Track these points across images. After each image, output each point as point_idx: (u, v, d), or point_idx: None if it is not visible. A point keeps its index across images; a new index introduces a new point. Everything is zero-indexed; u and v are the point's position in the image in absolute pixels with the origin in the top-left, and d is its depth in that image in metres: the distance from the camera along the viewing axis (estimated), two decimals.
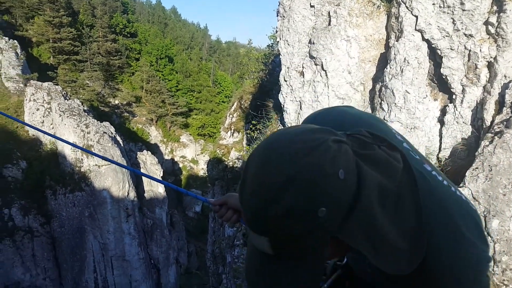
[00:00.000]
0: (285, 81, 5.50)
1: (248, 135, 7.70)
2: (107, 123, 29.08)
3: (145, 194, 30.47)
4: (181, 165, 46.26)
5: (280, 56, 5.81)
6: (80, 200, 25.52)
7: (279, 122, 5.99)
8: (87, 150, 2.05)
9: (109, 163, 25.46)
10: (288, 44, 5.63)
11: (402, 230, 0.84)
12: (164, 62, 54.18)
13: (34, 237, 25.40)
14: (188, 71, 56.96)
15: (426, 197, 0.89)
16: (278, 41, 5.74)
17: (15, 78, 31.72)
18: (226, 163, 10.34)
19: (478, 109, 4.78)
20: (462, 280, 0.89)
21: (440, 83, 5.20)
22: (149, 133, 45.17)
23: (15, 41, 32.75)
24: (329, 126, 0.85)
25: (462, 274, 0.89)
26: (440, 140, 5.06)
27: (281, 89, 5.59)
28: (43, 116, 28.58)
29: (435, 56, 5.13)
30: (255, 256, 0.84)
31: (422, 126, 4.99)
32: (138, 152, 33.59)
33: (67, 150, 26.06)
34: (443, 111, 5.13)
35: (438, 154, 5.02)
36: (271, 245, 0.77)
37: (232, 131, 11.76)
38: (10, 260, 24.30)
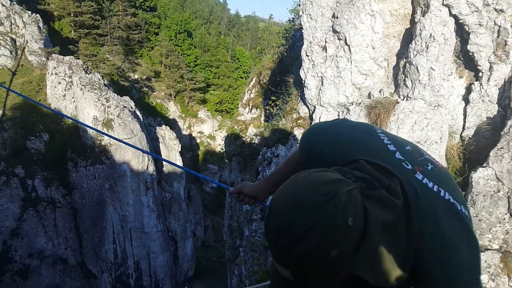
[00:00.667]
0: (307, 56, 5.38)
1: (267, 111, 7.66)
2: (127, 98, 29.38)
3: (164, 169, 30.99)
4: (198, 140, 46.64)
5: (302, 31, 5.68)
6: (101, 173, 26.14)
7: (299, 98, 5.92)
8: (103, 132, 2.06)
9: (129, 137, 25.90)
10: (311, 18, 5.48)
11: (397, 250, 1.03)
12: (183, 37, 53.89)
13: (56, 208, 26.28)
14: (206, 46, 56.59)
15: (417, 210, 1.07)
16: (301, 15, 5.60)
17: (38, 52, 32.18)
18: (244, 139, 10.34)
19: (506, 88, 4.63)
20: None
21: (466, 60, 5.05)
22: (167, 108, 45.50)
23: (38, 15, 33.06)
24: (330, 152, 1.22)
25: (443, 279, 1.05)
26: (464, 118, 4.94)
27: (303, 64, 5.49)
28: (65, 90, 29.07)
29: (462, 32, 4.96)
30: (279, 279, 1.01)
31: (446, 104, 4.85)
32: (157, 127, 33.95)
33: (88, 123, 26.56)
34: (468, 89, 5.00)
35: (461, 133, 4.91)
36: (292, 275, 0.95)
37: (250, 107, 11.71)
38: (34, 230, 25.26)
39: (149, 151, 27.76)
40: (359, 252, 0.95)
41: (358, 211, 0.93)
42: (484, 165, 4.12)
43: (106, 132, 24.56)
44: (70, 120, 28.42)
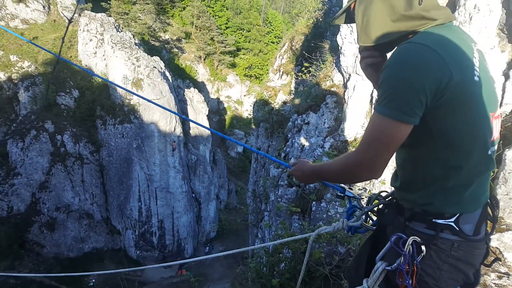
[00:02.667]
0: (347, 24, 5.19)
1: (298, 78, 7.53)
2: (157, 58, 29.45)
3: (191, 131, 31.39)
4: (226, 105, 46.72)
5: None
6: (129, 132, 26.72)
7: (334, 65, 5.77)
8: (133, 92, 2.07)
9: (158, 98, 26.19)
10: None
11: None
12: None
13: (84, 164, 27.20)
14: (238, 8, 55.38)
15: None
16: None
17: (70, 8, 32.41)
18: (272, 105, 10.29)
19: None
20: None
21: (511, 34, 4.75)
22: (196, 70, 45.45)
23: None
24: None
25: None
26: (503, 94, 4.74)
27: (340, 29, 5.31)
28: (96, 47, 29.39)
29: (509, 4, 4.66)
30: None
31: None
32: (186, 89, 34.11)
33: (118, 82, 26.88)
34: (510, 65, 4.74)
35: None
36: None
37: (280, 73, 11.55)
38: (61, 184, 26.35)
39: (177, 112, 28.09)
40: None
41: None
42: None
43: (135, 92, 24.91)
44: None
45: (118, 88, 27.05)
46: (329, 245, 3.98)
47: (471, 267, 1.53)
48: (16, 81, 28.27)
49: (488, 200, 1.56)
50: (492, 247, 3.56)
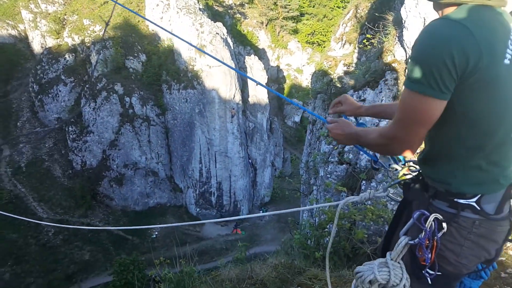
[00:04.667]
0: None
1: (360, 49, 7.25)
2: (220, 24, 29.65)
3: (249, 99, 31.70)
4: (285, 73, 46.15)
5: None
6: (192, 97, 27.67)
7: (396, 39, 5.47)
8: (200, 49, 2.18)
9: (219, 65, 26.55)
10: None
11: None
12: None
13: (151, 125, 28.84)
14: None
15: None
16: None
17: None
18: (332, 76, 10.03)
19: None
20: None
21: None
22: (258, 37, 45.09)
23: None
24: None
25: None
26: None
27: (405, 1, 5.00)
28: (162, 12, 30.16)
29: None
30: None
31: None
32: (246, 56, 34.16)
33: (182, 48, 27.63)
34: None
35: None
36: None
37: (343, 42, 11.15)
38: (130, 143, 28.23)
39: (236, 80, 28.38)
40: None
41: None
42: None
43: (208, 53, 25.40)
44: (166, 43, 29.78)
45: (182, 54, 27.82)
46: (376, 224, 3.99)
47: (494, 244, 1.55)
48: (88, 45, 30.11)
49: None
50: None
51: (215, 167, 29.51)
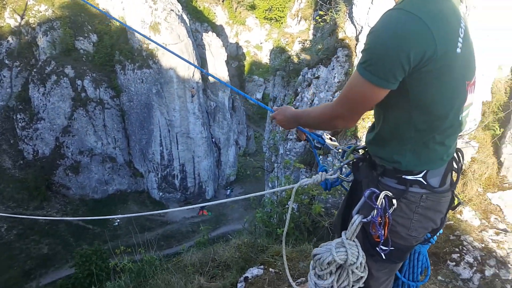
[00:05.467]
0: None
1: (315, 25, 7.27)
2: (174, 0, 28.64)
3: (209, 78, 31.17)
4: (245, 50, 45.64)
5: None
6: (148, 77, 26.78)
7: (347, 15, 5.52)
8: (152, 39, 2.09)
9: (175, 42, 25.81)
10: None
11: None
12: None
13: (105, 109, 27.68)
14: None
15: None
16: None
17: None
18: (289, 53, 10.04)
19: None
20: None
21: None
22: (215, 13, 44.05)
23: None
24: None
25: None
26: None
27: None
28: None
29: None
30: None
31: (498, 36, 4.37)
32: (204, 33, 33.37)
33: (135, 26, 26.49)
34: None
35: None
36: None
37: (299, 18, 11.12)
38: (84, 128, 27.06)
39: (195, 58, 27.76)
40: None
41: None
42: None
43: (153, 39, 24.57)
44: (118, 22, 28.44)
45: (135, 33, 26.72)
46: (333, 197, 4.12)
47: (439, 214, 1.67)
48: (34, 26, 28.21)
49: (454, 155, 1.70)
50: (493, 204, 3.61)
51: (177, 149, 28.99)
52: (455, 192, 1.72)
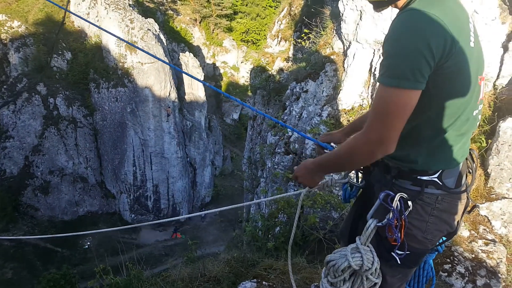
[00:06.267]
0: None
1: (298, 44, 7.42)
2: (151, 20, 28.69)
3: (186, 97, 31.07)
4: (222, 71, 45.98)
5: None
6: (123, 96, 26.36)
7: (334, 32, 5.68)
8: (131, 44, 2.06)
9: (152, 61, 25.71)
10: None
11: None
12: None
13: (78, 128, 26.92)
14: None
15: None
16: None
17: None
18: (270, 72, 10.17)
19: None
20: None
21: None
22: (192, 34, 44.37)
23: None
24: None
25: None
26: (500, 67, 4.77)
27: None
28: (89, 8, 28.48)
29: None
30: None
31: (485, 50, 4.64)
32: (181, 53, 33.44)
33: (111, 45, 26.32)
34: (510, 37, 4.76)
35: (495, 82, 4.77)
36: None
37: (279, 39, 11.35)
38: (55, 147, 26.15)
39: (171, 77, 27.67)
40: None
41: None
42: None
43: (136, 46, 24.43)
44: (93, 40, 28.13)
45: (111, 51, 26.49)
46: (323, 210, 4.09)
47: (455, 217, 1.64)
48: (5, 42, 27.47)
49: (468, 155, 1.68)
50: (481, 215, 3.69)
51: (151, 169, 28.35)
52: (469, 194, 1.69)
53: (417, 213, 1.57)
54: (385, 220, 1.56)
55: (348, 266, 1.61)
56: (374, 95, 1.49)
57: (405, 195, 1.54)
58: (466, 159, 1.68)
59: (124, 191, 28.39)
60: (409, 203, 1.55)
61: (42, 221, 25.97)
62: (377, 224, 1.60)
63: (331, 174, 2.01)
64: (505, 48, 4.68)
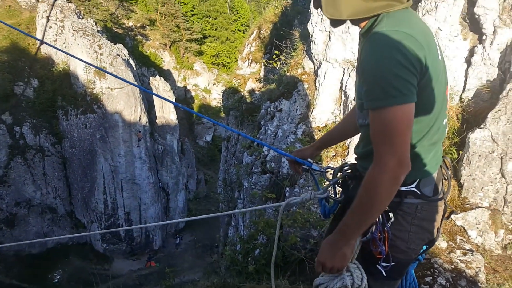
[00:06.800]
0: (316, 9, 5.25)
1: (269, 66, 7.54)
2: (120, 45, 28.49)
3: (157, 120, 30.71)
4: (193, 93, 45.96)
5: None
6: (92, 122, 25.77)
7: (304, 52, 5.81)
8: (101, 69, 2.02)
9: (121, 86, 25.40)
10: None
11: None
12: None
13: (45, 156, 25.98)
14: None
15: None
16: None
17: None
18: (242, 93, 10.25)
19: (507, 52, 4.75)
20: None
21: (472, 22, 5.12)
22: (162, 58, 44.36)
23: None
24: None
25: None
26: (465, 80, 5.04)
27: (311, 17, 5.35)
28: (56, 35, 28.04)
29: None
30: None
31: (450, 65, 4.91)
32: (151, 78, 33.22)
33: (79, 71, 25.88)
34: (471, 52, 5.06)
35: (461, 95, 4.99)
36: None
37: (249, 61, 11.51)
38: (22, 178, 25.08)
39: (142, 102, 27.36)
40: None
41: None
42: (482, 126, 4.27)
43: (106, 71, 24.05)
44: (61, 67, 27.62)
45: (80, 77, 26.02)
46: (303, 229, 4.06)
47: (435, 224, 1.67)
48: None
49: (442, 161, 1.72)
50: (457, 225, 3.75)
51: (122, 196, 27.50)
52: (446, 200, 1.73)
53: (398, 224, 1.58)
54: (369, 234, 1.57)
55: (342, 287, 1.58)
56: (370, 124, 1.41)
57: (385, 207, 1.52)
58: (440, 166, 1.70)
59: (95, 220, 27.33)
60: (390, 214, 1.56)
61: (7, 256, 24.52)
62: (362, 239, 1.59)
63: (309, 190, 1.99)
64: (468, 62, 4.93)
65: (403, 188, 1.54)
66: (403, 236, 1.59)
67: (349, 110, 2.09)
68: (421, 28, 1.44)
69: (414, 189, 1.56)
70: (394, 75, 1.30)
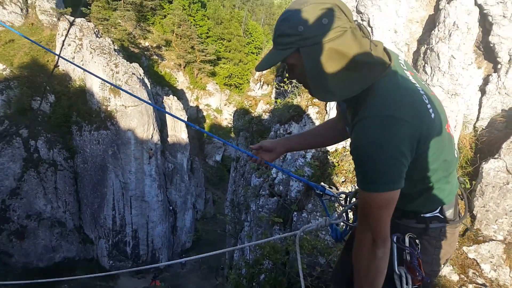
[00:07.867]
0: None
1: (280, 88, 7.58)
2: (136, 65, 29.10)
3: (168, 139, 30.96)
4: (205, 113, 46.48)
5: None
6: (105, 139, 26.12)
7: None
8: (117, 86, 2.05)
9: (135, 104, 25.80)
10: None
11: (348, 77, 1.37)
12: (197, 7, 52.97)
13: (58, 171, 26.32)
14: (219, 18, 55.64)
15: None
16: None
17: (49, 12, 31.78)
18: (253, 114, 10.29)
19: None
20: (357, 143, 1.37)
21: (487, 51, 5.03)
22: (176, 78, 45.13)
23: None
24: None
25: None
26: (479, 109, 4.95)
27: None
28: (74, 52, 28.82)
29: (485, 23, 4.93)
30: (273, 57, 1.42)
31: (463, 94, 4.85)
32: (165, 97, 33.73)
33: (95, 88, 26.41)
34: (486, 80, 4.99)
35: (475, 124, 4.90)
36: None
37: (261, 83, 11.60)
38: (34, 191, 25.35)
39: (154, 120, 27.68)
40: (316, 46, 1.29)
41: (334, 18, 1.29)
42: (496, 156, 4.15)
43: (121, 88, 24.45)
44: (78, 83, 28.26)
45: (95, 94, 26.54)
46: (309, 256, 3.97)
47: (454, 244, 1.74)
48: None
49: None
50: (469, 258, 3.63)
51: (130, 213, 27.53)
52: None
53: (424, 249, 1.62)
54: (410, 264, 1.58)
55: None
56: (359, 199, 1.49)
57: (413, 235, 1.60)
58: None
59: (102, 236, 27.34)
60: (417, 241, 1.60)
61: (15, 268, 24.58)
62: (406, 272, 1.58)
63: (302, 219, 1.96)
64: (483, 91, 4.87)
65: (428, 215, 1.61)
66: (428, 259, 1.64)
67: (329, 120, 2.08)
68: (409, 97, 1.37)
69: (438, 214, 1.62)
70: (381, 165, 1.32)
